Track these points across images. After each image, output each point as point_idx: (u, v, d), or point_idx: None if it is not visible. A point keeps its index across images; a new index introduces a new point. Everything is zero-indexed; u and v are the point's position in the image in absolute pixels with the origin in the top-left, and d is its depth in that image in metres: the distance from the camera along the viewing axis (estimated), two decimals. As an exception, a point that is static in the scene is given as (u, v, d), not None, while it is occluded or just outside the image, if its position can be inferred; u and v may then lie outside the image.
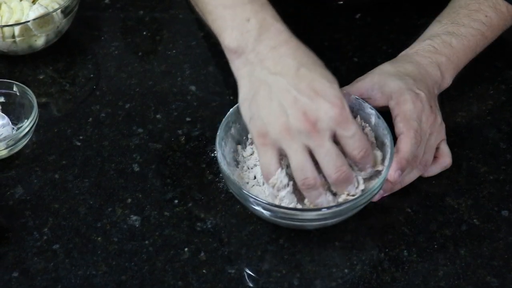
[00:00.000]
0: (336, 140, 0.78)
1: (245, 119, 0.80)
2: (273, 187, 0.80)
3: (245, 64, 0.79)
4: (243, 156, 0.88)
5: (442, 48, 0.93)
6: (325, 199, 0.80)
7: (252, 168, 0.87)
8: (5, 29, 1.01)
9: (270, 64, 0.78)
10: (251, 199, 0.81)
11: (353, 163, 0.81)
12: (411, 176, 0.87)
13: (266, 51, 0.78)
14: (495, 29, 0.96)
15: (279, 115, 0.76)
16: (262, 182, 0.84)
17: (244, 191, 0.81)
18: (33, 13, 1.02)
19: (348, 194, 0.80)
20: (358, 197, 0.80)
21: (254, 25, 0.79)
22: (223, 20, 0.81)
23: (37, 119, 0.94)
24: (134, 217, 0.87)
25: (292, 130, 0.76)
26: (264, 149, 0.79)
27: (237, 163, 0.88)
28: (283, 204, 0.80)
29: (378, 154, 0.84)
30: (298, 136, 0.76)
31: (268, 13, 0.81)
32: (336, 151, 0.77)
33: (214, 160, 0.92)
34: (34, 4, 1.04)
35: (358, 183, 0.81)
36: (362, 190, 0.81)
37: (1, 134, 0.95)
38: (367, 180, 0.83)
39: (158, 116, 0.99)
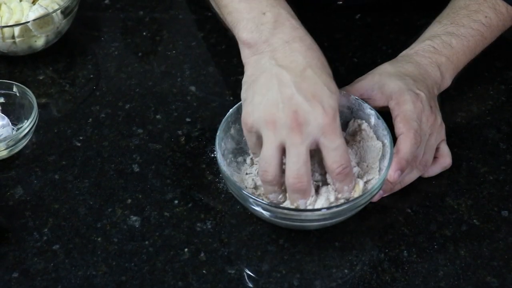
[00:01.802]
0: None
1: (242, 101, 0.81)
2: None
3: (254, 53, 0.80)
4: (245, 162, 0.88)
5: (442, 48, 0.93)
6: (276, 197, 0.81)
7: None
8: (5, 29, 1.01)
9: (279, 56, 0.78)
10: (251, 200, 0.81)
11: (331, 181, 0.81)
12: (411, 177, 0.87)
13: (278, 44, 0.79)
14: (494, 30, 0.96)
15: (270, 106, 0.77)
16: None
17: (244, 192, 0.81)
18: (33, 13, 1.02)
19: (297, 206, 0.80)
20: (358, 198, 0.80)
21: (269, 19, 0.80)
22: (238, 13, 0.81)
23: (37, 120, 0.94)
24: (134, 218, 0.87)
25: (277, 123, 0.76)
26: (249, 135, 0.80)
27: (237, 163, 0.88)
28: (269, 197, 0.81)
29: (361, 182, 0.82)
30: (280, 131, 0.76)
31: (284, 9, 0.81)
32: (305, 159, 0.76)
33: (214, 161, 0.92)
34: (34, 4, 1.04)
35: (311, 201, 0.80)
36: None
37: (1, 134, 0.95)
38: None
39: (158, 116, 0.99)
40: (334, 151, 0.77)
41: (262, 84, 0.78)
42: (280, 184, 0.80)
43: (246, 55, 0.81)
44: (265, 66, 0.78)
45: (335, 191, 0.81)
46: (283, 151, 0.78)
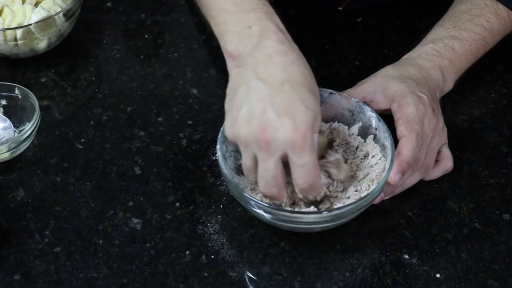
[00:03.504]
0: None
1: (225, 111, 0.81)
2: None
3: (238, 66, 0.80)
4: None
5: (444, 51, 0.93)
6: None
7: None
8: (7, 32, 1.01)
9: (260, 69, 0.78)
10: (252, 202, 0.81)
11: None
12: (412, 179, 0.87)
13: (261, 57, 0.78)
14: (495, 34, 0.96)
15: (244, 121, 0.77)
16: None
17: (245, 194, 0.81)
18: (35, 16, 1.02)
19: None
20: (359, 200, 0.80)
21: (255, 32, 0.79)
22: (225, 25, 0.81)
23: (39, 122, 0.94)
24: (136, 220, 0.87)
25: (248, 139, 0.77)
26: (233, 144, 0.82)
27: (238, 166, 0.88)
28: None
29: (324, 188, 0.83)
30: (251, 145, 0.78)
31: (272, 22, 0.80)
32: (273, 173, 0.78)
33: (216, 163, 0.92)
34: (36, 7, 1.04)
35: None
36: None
37: (3, 137, 0.95)
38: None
39: (159, 119, 0.99)
40: (301, 168, 0.77)
41: (240, 96, 0.78)
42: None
43: (230, 66, 0.81)
44: (245, 79, 0.78)
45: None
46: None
